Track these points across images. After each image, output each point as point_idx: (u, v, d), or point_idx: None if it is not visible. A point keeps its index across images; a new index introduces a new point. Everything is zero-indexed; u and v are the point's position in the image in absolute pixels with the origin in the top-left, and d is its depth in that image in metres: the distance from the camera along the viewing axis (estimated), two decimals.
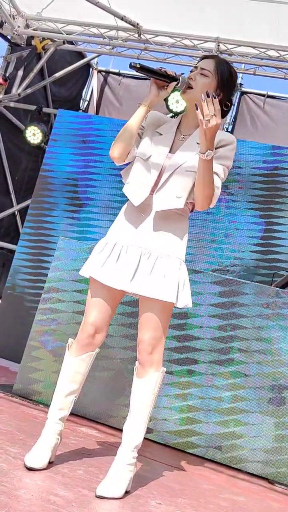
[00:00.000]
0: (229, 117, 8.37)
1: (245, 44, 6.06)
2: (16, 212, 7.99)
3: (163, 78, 2.32)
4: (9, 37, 6.88)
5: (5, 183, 7.89)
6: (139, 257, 2.33)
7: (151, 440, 3.52)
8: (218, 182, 2.34)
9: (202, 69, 2.40)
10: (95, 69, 9.04)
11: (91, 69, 9.07)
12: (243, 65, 6.63)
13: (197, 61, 2.52)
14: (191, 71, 2.45)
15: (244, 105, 8.35)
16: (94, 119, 6.67)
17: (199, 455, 3.38)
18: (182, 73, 2.39)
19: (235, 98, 8.37)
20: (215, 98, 2.15)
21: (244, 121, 8.35)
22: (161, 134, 2.45)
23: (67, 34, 6.67)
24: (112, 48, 6.75)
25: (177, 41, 6.25)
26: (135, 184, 2.38)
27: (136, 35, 6.33)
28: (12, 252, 7.14)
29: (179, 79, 2.33)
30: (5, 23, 6.62)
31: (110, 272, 2.33)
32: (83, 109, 9.17)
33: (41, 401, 3.68)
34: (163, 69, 2.31)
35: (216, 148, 2.30)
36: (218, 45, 6.10)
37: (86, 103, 9.24)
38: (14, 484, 2.07)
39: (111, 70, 9.10)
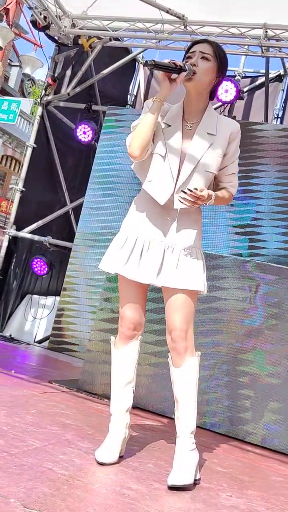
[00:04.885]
0: (278, 102, 8.25)
1: None
2: (70, 210, 8.11)
3: (174, 71, 2.32)
4: (56, 37, 6.97)
5: (58, 182, 8.01)
6: (163, 251, 2.39)
7: (217, 432, 3.55)
8: (235, 181, 2.53)
9: (202, 53, 2.41)
10: (141, 63, 9.05)
11: (136, 63, 9.09)
12: None
13: (187, 48, 2.51)
14: (186, 58, 2.44)
15: None
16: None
17: (263, 445, 3.38)
18: (186, 62, 2.39)
19: (284, 84, 8.24)
20: (195, 190, 2.27)
21: None
22: (169, 126, 2.46)
23: (113, 31, 6.69)
24: (158, 42, 6.74)
25: (224, 30, 6.18)
26: (157, 182, 2.42)
27: (182, 27, 6.30)
28: (67, 249, 7.27)
29: (187, 69, 2.34)
30: (52, 24, 6.71)
31: (135, 267, 2.39)
32: (130, 104, 9.20)
33: (106, 395, 3.75)
34: (172, 61, 2.32)
35: (228, 144, 2.46)
36: (266, 31, 6.00)
37: (133, 97, 9.27)
38: (88, 479, 2.13)
39: None
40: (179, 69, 2.32)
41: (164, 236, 2.41)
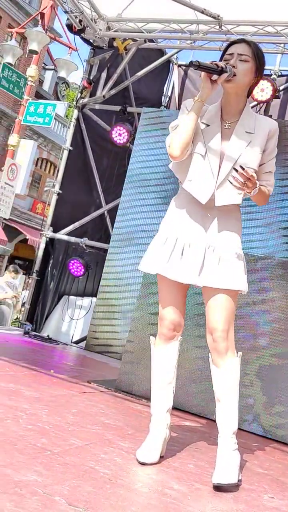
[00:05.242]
0: None
1: None
2: (105, 212, 8.16)
3: (216, 72, 2.33)
4: (91, 40, 7.04)
5: (93, 184, 8.07)
6: (204, 250, 2.39)
7: (256, 433, 3.53)
8: (272, 180, 2.51)
9: (240, 55, 2.41)
10: (175, 63, 9.05)
11: (171, 64, 9.09)
12: None
13: (224, 48, 2.50)
14: (224, 59, 2.44)
15: None
16: (178, 115, 6.70)
17: None
18: (227, 63, 2.39)
19: None
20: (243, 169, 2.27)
21: None
22: (208, 125, 2.46)
23: (147, 33, 6.71)
24: (193, 42, 6.74)
25: (259, 29, 6.14)
26: (198, 181, 2.42)
27: (217, 27, 6.28)
28: (102, 250, 7.32)
29: (228, 70, 2.35)
30: (87, 27, 6.77)
31: (177, 267, 2.38)
32: (165, 105, 9.21)
33: (144, 396, 3.76)
34: (214, 62, 2.33)
35: (267, 142, 2.45)
36: None
37: (167, 98, 9.28)
38: (131, 478, 2.15)
39: None
40: (220, 71, 2.33)
41: (205, 235, 2.41)
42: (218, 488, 2.22)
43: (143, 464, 2.33)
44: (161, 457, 2.46)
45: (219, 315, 2.38)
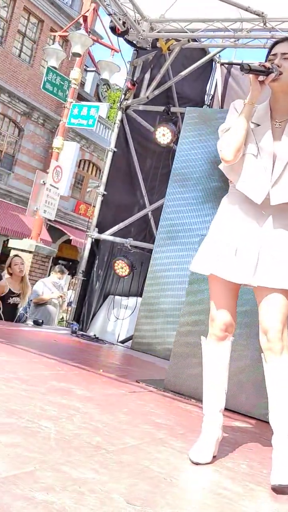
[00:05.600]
0: None
1: None
2: (149, 213, 8.20)
3: (264, 73, 2.34)
4: (134, 42, 7.07)
5: (137, 184, 8.12)
6: (258, 250, 2.37)
7: None
8: None
9: (284, 54, 2.40)
10: (218, 62, 9.01)
11: (213, 63, 9.06)
12: None
13: (268, 49, 2.50)
14: (269, 60, 2.44)
15: None
16: (221, 113, 6.67)
17: None
18: (273, 63, 2.38)
19: None
20: None
21: None
22: (258, 125, 2.45)
23: (191, 32, 6.71)
24: (237, 40, 6.70)
25: None
26: (252, 182, 2.41)
27: (262, 24, 6.23)
28: (146, 250, 7.36)
29: (274, 70, 2.35)
30: (130, 29, 6.82)
31: (230, 267, 2.37)
32: (208, 104, 9.18)
33: (193, 396, 3.77)
34: (261, 63, 2.34)
35: None
36: None
37: (210, 97, 9.24)
38: (185, 478, 2.16)
39: (234, 61, 9.03)
40: (267, 71, 2.34)
41: (259, 234, 2.40)
42: (278, 489, 2.19)
43: (196, 464, 2.34)
44: (214, 457, 2.47)
45: (274, 315, 2.36)
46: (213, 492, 2.06)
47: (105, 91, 26.32)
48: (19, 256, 6.51)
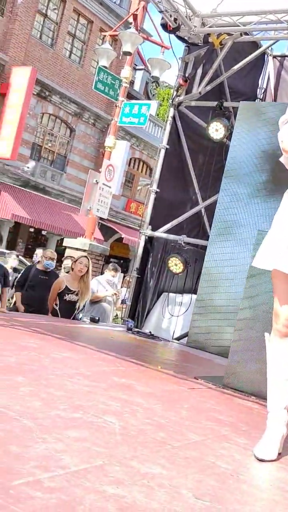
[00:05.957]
0: None
1: None
2: (202, 210, 8.16)
3: None
4: (186, 38, 7.04)
5: (189, 181, 8.09)
6: None
7: None
8: None
9: None
10: (270, 55, 8.87)
11: (265, 56, 8.92)
12: None
13: None
14: None
15: None
16: (275, 106, 6.57)
17: None
18: None
19: None
20: None
21: None
22: None
23: (243, 26, 6.63)
24: None
25: None
26: None
27: None
28: (199, 246, 7.32)
29: None
30: (182, 25, 6.79)
31: None
32: (260, 98, 9.05)
33: (252, 393, 3.73)
34: None
35: None
36: None
37: (263, 90, 9.11)
38: (252, 474, 2.15)
39: (287, 53, 8.87)
40: None
41: None
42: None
43: (261, 460, 2.32)
44: (279, 454, 2.43)
45: None
46: (280, 489, 2.03)
47: (154, 88, 26.34)
48: (87, 258, 6.52)
